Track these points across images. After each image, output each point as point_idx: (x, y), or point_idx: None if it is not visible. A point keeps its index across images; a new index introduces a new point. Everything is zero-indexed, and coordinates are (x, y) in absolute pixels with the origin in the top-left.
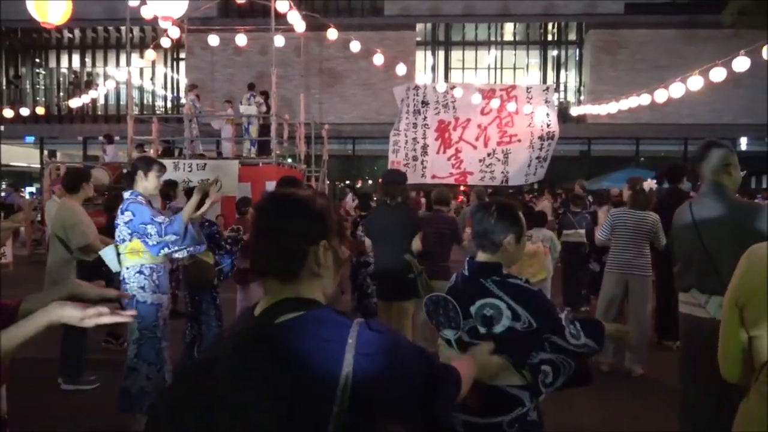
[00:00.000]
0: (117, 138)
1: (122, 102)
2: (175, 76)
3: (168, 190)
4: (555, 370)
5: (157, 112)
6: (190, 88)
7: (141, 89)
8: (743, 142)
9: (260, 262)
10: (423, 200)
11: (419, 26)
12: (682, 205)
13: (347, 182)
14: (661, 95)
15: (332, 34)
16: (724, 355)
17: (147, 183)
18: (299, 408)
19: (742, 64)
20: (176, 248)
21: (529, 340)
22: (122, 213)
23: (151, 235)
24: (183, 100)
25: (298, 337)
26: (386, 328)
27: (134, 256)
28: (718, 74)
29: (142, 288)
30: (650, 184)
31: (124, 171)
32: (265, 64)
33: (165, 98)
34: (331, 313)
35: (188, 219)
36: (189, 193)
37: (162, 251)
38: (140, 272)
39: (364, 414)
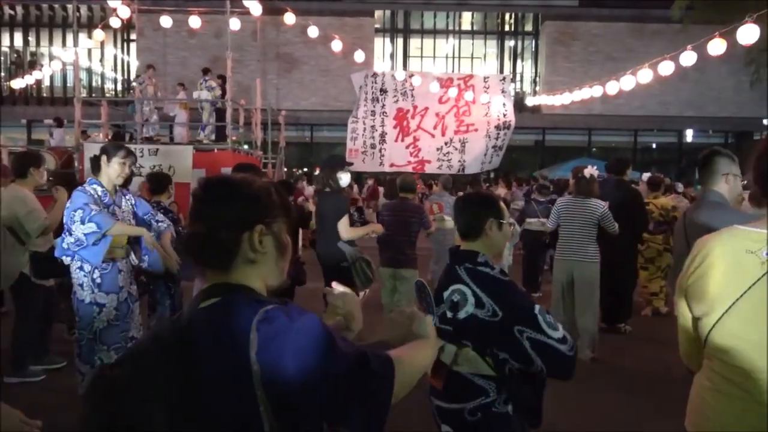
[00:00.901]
0: (65, 122)
1: (69, 84)
2: (126, 57)
3: (165, 182)
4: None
5: (107, 95)
6: (146, 68)
7: (89, 71)
8: (689, 134)
9: (194, 249)
10: (380, 188)
11: (378, 13)
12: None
13: (305, 169)
14: (612, 87)
15: (290, 18)
16: (683, 347)
17: (110, 170)
18: (219, 403)
19: (688, 58)
20: (86, 244)
21: (493, 329)
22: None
23: (75, 222)
24: (134, 83)
25: (207, 326)
26: (289, 317)
27: (66, 242)
28: (666, 68)
29: (81, 286)
30: (590, 170)
31: (91, 157)
32: (221, 47)
33: (115, 81)
34: (243, 299)
35: (117, 232)
36: (150, 178)
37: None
38: (80, 268)
39: (290, 413)
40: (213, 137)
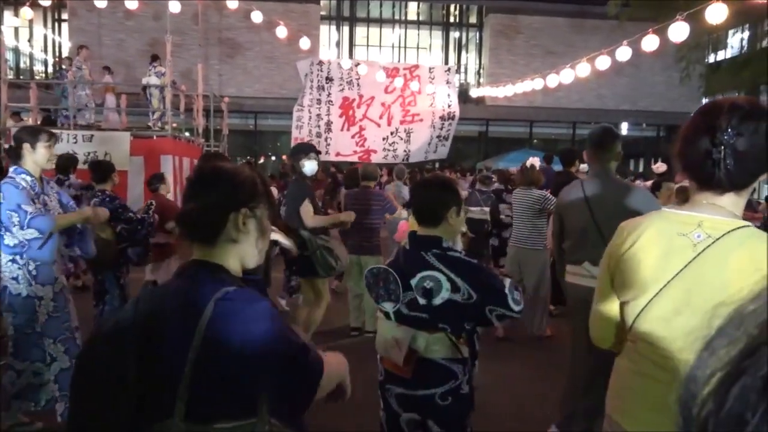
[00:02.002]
0: None
1: None
2: (57, 38)
3: (68, 165)
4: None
5: (36, 77)
6: (78, 50)
7: (16, 51)
8: (624, 127)
9: (186, 227)
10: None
11: (324, 1)
12: (571, 184)
13: (249, 158)
14: (552, 80)
15: (232, 3)
16: (595, 321)
17: (36, 156)
18: (155, 360)
19: (624, 54)
20: (32, 248)
21: (469, 310)
22: None
23: (14, 225)
24: (65, 66)
25: (174, 293)
26: (247, 301)
27: (8, 241)
28: (603, 62)
29: (15, 279)
30: (532, 161)
31: (7, 146)
32: (159, 30)
33: (45, 62)
34: (208, 278)
35: (61, 227)
36: (93, 166)
37: (17, 252)
38: (13, 261)
39: (227, 384)
40: (160, 124)
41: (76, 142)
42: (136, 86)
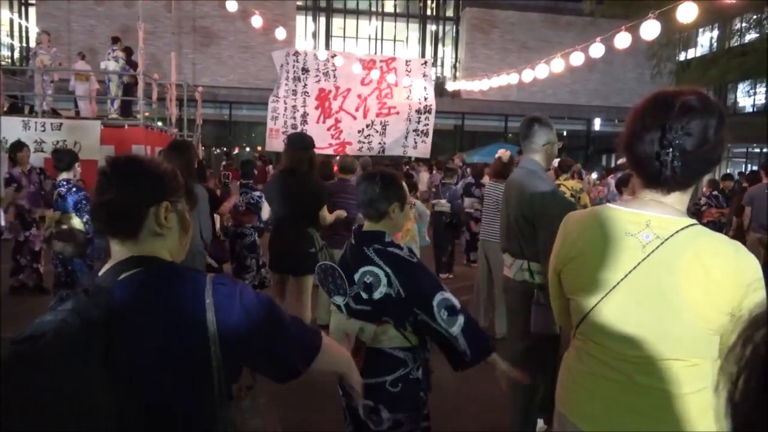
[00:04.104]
0: None
1: None
2: (24, 23)
3: (13, 152)
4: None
5: (2, 63)
6: (39, 35)
7: None
8: (597, 123)
9: (101, 221)
10: None
11: None
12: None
13: (224, 149)
14: (527, 75)
15: None
16: (555, 312)
17: None
18: (166, 362)
19: (597, 50)
20: None
21: (401, 307)
22: None
23: None
24: (34, 51)
25: (144, 293)
26: (233, 281)
27: None
28: (577, 58)
29: None
30: (501, 153)
31: None
32: (131, 17)
33: (11, 48)
34: (180, 268)
35: None
36: (55, 154)
37: None
38: None
39: (232, 365)
40: (114, 112)
41: (44, 131)
42: (103, 72)
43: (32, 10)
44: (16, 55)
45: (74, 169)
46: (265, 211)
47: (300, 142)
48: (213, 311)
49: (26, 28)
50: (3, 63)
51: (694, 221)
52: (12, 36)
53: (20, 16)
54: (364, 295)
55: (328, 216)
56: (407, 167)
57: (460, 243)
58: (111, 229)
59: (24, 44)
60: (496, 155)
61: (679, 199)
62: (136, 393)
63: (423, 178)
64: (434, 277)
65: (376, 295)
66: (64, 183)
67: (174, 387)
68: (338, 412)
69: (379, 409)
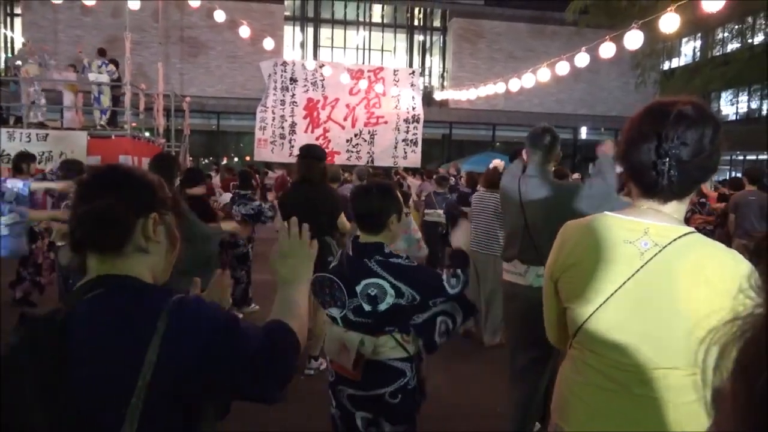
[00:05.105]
0: None
1: None
2: (9, 33)
3: (20, 162)
4: (451, 317)
5: None
6: (23, 45)
7: None
8: (583, 131)
9: (83, 231)
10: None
11: (288, 0)
12: (506, 180)
13: (212, 159)
14: (514, 84)
15: (194, 1)
16: (547, 323)
17: None
18: (94, 389)
19: (582, 60)
20: None
21: (416, 310)
22: None
23: None
24: (18, 61)
25: (98, 315)
26: (198, 306)
27: None
28: (562, 68)
29: None
30: (496, 163)
31: None
32: (118, 27)
33: None
34: (145, 289)
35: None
36: (64, 165)
37: None
38: None
39: (191, 396)
40: (104, 122)
41: (29, 141)
42: (92, 84)
43: (18, 21)
44: (1, 65)
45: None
46: (278, 221)
47: (314, 153)
48: (159, 339)
49: (12, 38)
50: None
51: (692, 229)
52: None
53: (5, 27)
54: (367, 308)
55: (347, 224)
56: (397, 176)
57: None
58: (94, 241)
59: (10, 55)
60: (492, 165)
61: (677, 208)
62: (80, 428)
63: (413, 184)
64: (431, 269)
65: (382, 306)
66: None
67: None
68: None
69: (379, 422)
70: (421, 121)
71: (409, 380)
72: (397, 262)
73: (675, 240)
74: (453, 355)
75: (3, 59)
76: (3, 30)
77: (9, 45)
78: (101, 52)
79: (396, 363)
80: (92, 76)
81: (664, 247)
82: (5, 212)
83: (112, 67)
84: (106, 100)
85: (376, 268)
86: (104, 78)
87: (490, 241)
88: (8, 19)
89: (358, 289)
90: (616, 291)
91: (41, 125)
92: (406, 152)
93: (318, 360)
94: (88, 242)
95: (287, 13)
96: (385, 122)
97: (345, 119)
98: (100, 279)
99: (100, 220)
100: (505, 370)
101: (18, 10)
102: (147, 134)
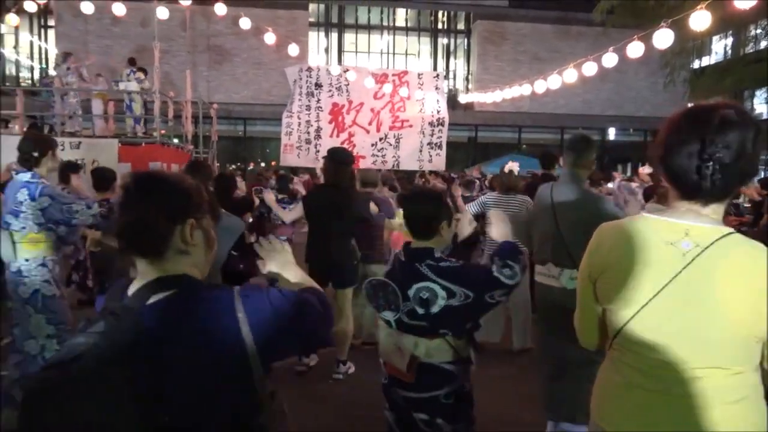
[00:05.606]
0: None
1: None
2: (43, 45)
3: (66, 171)
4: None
5: (23, 84)
6: (64, 56)
7: (2, 58)
8: (611, 132)
9: (126, 240)
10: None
11: (312, 6)
12: (542, 187)
13: (238, 164)
14: (540, 86)
15: (220, 9)
16: (580, 325)
17: (52, 164)
18: (205, 383)
19: (610, 60)
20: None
21: (469, 309)
22: (34, 198)
23: (77, 212)
24: (52, 71)
25: (176, 317)
26: (258, 289)
27: (34, 247)
28: (589, 68)
29: (47, 282)
30: (510, 166)
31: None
32: (147, 37)
33: (31, 69)
34: (207, 287)
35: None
36: (95, 173)
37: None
38: (43, 265)
39: (267, 367)
40: (142, 130)
41: (63, 149)
42: (121, 92)
43: (51, 32)
44: (36, 75)
45: (112, 188)
46: (290, 216)
47: (342, 157)
48: (247, 325)
49: (45, 49)
50: (23, 84)
51: (732, 230)
52: (32, 58)
53: (40, 38)
54: (420, 311)
55: (395, 222)
56: (423, 180)
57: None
58: (136, 249)
59: (43, 65)
60: (506, 168)
61: (716, 210)
62: (167, 419)
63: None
64: (477, 264)
65: (434, 309)
66: (105, 203)
67: (211, 408)
68: (355, 424)
69: (436, 422)
70: (446, 124)
71: (461, 383)
72: (446, 265)
73: (716, 240)
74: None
75: (38, 70)
76: (38, 41)
77: (43, 56)
78: (131, 62)
79: (448, 366)
80: (122, 85)
81: (705, 248)
82: (92, 204)
83: (140, 74)
84: (138, 108)
85: (427, 272)
86: (133, 86)
87: None
88: (42, 31)
89: (410, 292)
90: (659, 292)
91: (73, 134)
92: (431, 156)
93: (347, 364)
94: (130, 249)
95: (311, 19)
96: (410, 126)
97: (370, 123)
98: (160, 280)
99: (136, 231)
100: (531, 375)
101: (51, 22)
102: (176, 141)
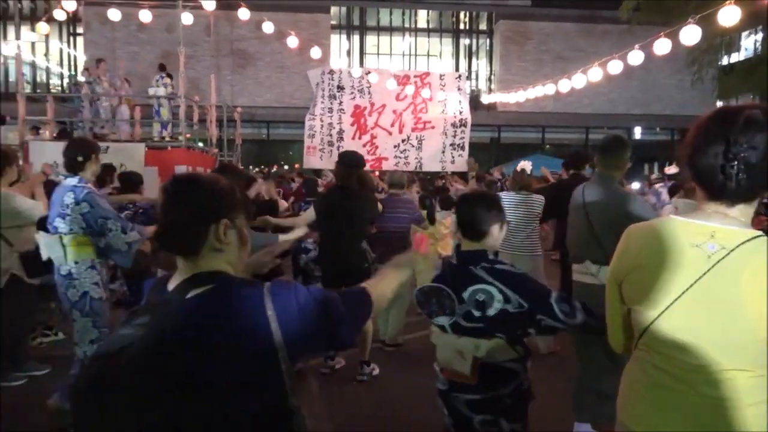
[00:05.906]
0: (7, 118)
1: (11, 79)
2: (72, 52)
3: (104, 174)
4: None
5: (53, 90)
6: (97, 63)
7: (33, 65)
8: (637, 132)
9: (164, 238)
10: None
11: (334, 9)
12: (577, 187)
13: (262, 167)
14: (564, 85)
15: (243, 14)
16: (609, 326)
17: (96, 167)
18: (239, 374)
19: (636, 58)
20: (116, 253)
21: (522, 319)
22: (78, 203)
23: (111, 230)
24: (81, 78)
25: (212, 311)
26: (287, 286)
27: (82, 250)
28: (615, 67)
29: (96, 284)
30: (523, 165)
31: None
32: (172, 42)
33: (61, 76)
34: (240, 283)
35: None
36: (122, 176)
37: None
38: (92, 267)
39: (303, 356)
40: (169, 134)
41: None
42: (150, 98)
43: (80, 40)
44: (65, 82)
45: (140, 192)
46: (303, 219)
47: (351, 160)
48: (276, 321)
49: (74, 57)
50: (53, 90)
51: (760, 233)
52: (61, 64)
53: (69, 46)
54: (477, 313)
55: (432, 229)
56: (443, 181)
57: None
58: (173, 248)
59: (72, 72)
60: (518, 167)
61: (744, 211)
62: (205, 409)
63: (459, 189)
64: (539, 282)
65: (491, 311)
66: (131, 206)
67: (246, 400)
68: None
69: (499, 422)
70: (469, 125)
71: (523, 381)
72: (503, 269)
73: (742, 243)
74: None
75: (68, 76)
76: (67, 49)
77: (72, 63)
78: (161, 67)
79: (509, 364)
80: (151, 91)
81: (731, 251)
82: (128, 230)
83: (167, 80)
84: (165, 113)
85: (483, 274)
86: (161, 91)
87: (529, 242)
88: (71, 39)
89: (465, 295)
90: (683, 293)
91: (102, 138)
92: (453, 157)
93: (370, 365)
94: (171, 247)
95: (333, 22)
96: (432, 127)
97: (392, 125)
98: (198, 276)
99: (173, 231)
100: (556, 381)
101: (80, 30)
102: (201, 144)
